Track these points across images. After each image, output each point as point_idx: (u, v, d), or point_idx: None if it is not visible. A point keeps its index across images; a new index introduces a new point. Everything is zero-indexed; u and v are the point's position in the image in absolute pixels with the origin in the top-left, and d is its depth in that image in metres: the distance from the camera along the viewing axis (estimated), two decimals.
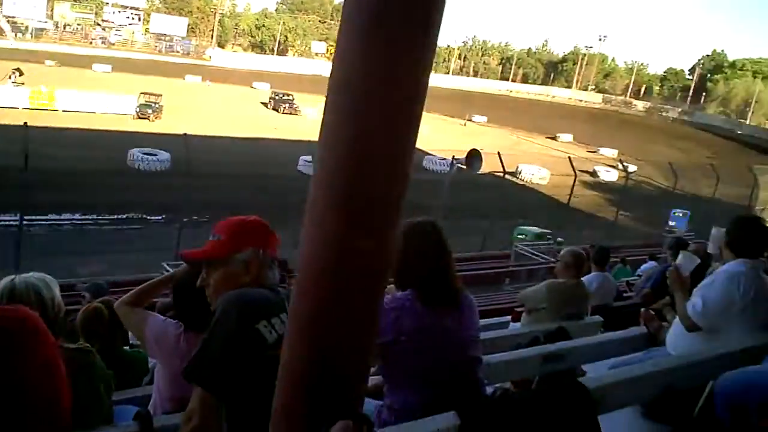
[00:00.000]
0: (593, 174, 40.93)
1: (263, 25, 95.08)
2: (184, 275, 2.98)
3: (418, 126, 1.24)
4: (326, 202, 1.22)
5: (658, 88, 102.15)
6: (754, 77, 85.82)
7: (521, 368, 3.81)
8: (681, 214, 24.56)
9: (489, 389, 3.25)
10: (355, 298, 1.26)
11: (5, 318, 1.51)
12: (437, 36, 1.19)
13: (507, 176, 19.84)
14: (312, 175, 1.26)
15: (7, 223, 15.99)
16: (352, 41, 1.18)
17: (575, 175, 20.27)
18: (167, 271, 11.52)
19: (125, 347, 4.16)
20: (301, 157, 25.10)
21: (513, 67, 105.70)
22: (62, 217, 19.00)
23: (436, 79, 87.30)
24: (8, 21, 66.69)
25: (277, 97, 54.19)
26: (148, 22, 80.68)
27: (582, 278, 5.80)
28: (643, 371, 3.06)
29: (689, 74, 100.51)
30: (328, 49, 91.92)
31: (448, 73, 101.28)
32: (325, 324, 1.26)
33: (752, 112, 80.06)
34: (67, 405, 1.65)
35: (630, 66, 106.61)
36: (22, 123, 14.31)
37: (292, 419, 1.32)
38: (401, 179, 1.23)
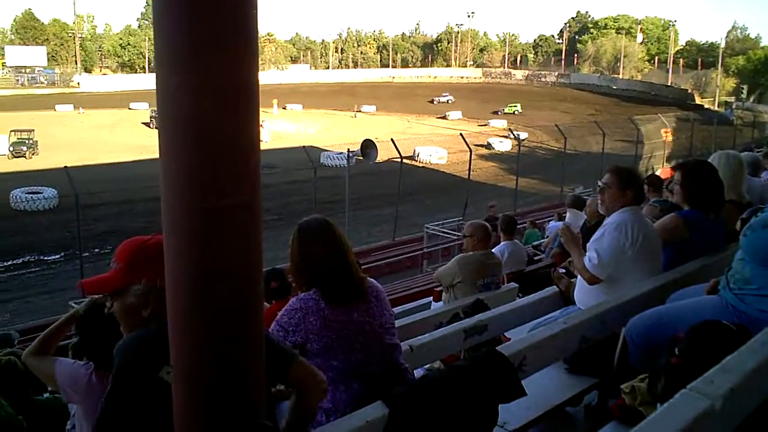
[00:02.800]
0: (488, 146, 42.07)
1: (129, 44, 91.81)
2: (85, 313, 2.89)
3: (256, 100, 1.19)
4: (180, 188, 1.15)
5: (532, 55, 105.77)
6: (618, 33, 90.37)
7: (445, 346, 3.87)
8: None
9: (419, 372, 3.33)
10: (230, 285, 1.18)
11: None
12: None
13: (405, 161, 20.05)
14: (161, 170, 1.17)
15: None
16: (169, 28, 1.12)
17: (470, 150, 20.74)
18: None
19: (45, 394, 4.01)
20: None
21: (390, 53, 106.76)
22: None
23: (318, 75, 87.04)
24: None
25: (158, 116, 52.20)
26: (2, 55, 76.15)
27: (493, 249, 5.99)
28: (555, 329, 3.14)
29: (558, 39, 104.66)
30: None
31: (328, 67, 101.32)
32: (204, 320, 1.20)
33: (623, 67, 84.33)
34: None
35: (502, 38, 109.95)
36: None
37: None
38: (249, 149, 1.18)
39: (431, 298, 6.36)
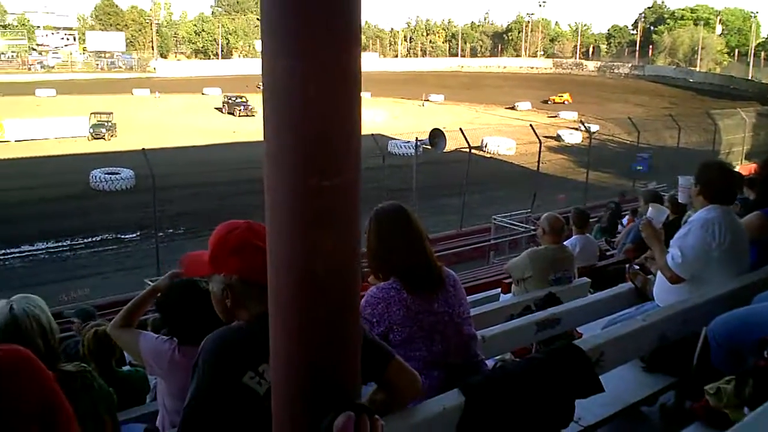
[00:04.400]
0: (557, 138, 41.33)
1: (203, 30, 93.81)
2: (166, 290, 2.97)
3: (358, 96, 1.20)
4: (284, 187, 1.17)
5: (605, 46, 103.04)
6: (695, 24, 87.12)
7: (517, 338, 3.86)
8: (643, 157, 27.33)
9: (490, 362, 3.32)
10: (330, 275, 1.20)
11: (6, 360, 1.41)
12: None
13: (473, 151, 19.93)
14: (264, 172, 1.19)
15: None
16: (274, 30, 1.14)
17: (540, 142, 20.44)
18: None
19: (124, 366, 4.16)
20: None
21: (459, 42, 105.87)
22: (36, 247, 18.79)
23: (387, 64, 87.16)
24: None
25: (230, 101, 53.58)
26: (84, 40, 79.20)
27: (564, 242, 5.89)
28: (634, 326, 3.09)
29: (633, 29, 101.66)
30: None
31: (396, 56, 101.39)
32: (304, 298, 1.21)
33: (700, 59, 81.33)
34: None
35: (574, 28, 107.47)
36: None
37: (291, 418, 1.28)
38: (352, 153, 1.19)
39: (499, 289, 6.31)
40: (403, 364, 1.90)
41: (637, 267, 4.99)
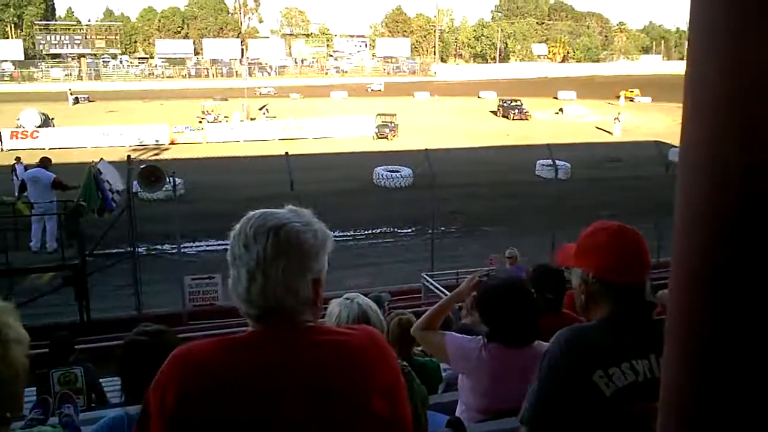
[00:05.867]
0: None
1: (482, 35, 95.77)
2: (490, 288, 3.06)
3: None
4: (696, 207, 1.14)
5: None
6: None
7: None
8: None
9: None
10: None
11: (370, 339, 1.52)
12: None
13: None
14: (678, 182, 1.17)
15: None
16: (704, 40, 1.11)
17: None
18: (426, 280, 12.11)
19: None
20: (538, 162, 24.77)
21: None
22: None
23: (672, 66, 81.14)
24: (252, 62, 74.59)
25: (505, 104, 53.88)
26: (374, 47, 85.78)
27: None
28: None
29: None
30: (549, 50, 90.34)
31: (682, 58, 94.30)
32: (707, 291, 1.14)
33: None
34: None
35: None
36: (283, 153, 15.45)
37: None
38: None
39: None
40: None
41: None
